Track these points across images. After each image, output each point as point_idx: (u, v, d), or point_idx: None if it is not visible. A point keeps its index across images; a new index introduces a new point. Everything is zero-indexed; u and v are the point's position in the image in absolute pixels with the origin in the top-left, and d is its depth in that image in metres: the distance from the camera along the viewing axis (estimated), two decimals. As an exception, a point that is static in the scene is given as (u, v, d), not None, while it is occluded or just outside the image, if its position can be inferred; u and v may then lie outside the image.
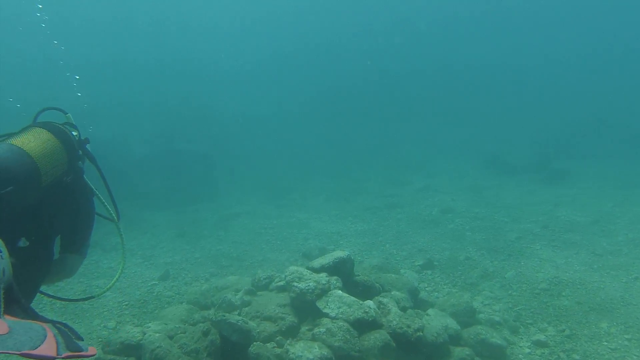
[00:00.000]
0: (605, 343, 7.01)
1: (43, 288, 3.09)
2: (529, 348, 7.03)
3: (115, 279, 3.59)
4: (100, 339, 7.45)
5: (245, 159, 24.93)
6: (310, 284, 6.52)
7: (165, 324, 6.94)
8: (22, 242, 2.81)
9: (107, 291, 3.63)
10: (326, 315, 6.17)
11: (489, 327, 7.15)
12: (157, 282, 10.20)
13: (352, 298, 6.42)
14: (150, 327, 6.72)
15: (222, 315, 6.15)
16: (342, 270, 7.11)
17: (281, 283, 7.21)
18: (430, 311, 7.08)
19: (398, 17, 52.47)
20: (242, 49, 51.56)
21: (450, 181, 20.11)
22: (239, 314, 6.68)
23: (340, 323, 5.95)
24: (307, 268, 7.19)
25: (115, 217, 3.75)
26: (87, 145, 3.55)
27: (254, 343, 5.84)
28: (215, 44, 50.72)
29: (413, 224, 14.02)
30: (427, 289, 9.30)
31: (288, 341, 5.95)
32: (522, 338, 7.29)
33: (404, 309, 6.98)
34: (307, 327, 6.18)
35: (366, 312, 6.13)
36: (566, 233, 12.06)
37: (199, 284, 9.80)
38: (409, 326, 6.09)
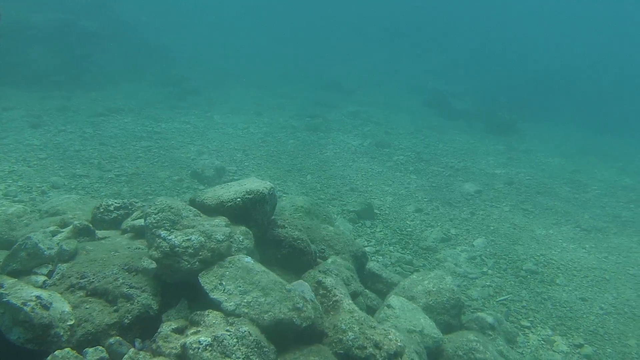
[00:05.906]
0: (647, 377, 4.51)
1: None
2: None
3: None
4: None
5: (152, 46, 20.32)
6: (194, 238, 3.37)
7: None
8: None
9: None
10: (217, 305, 3.10)
11: (480, 333, 4.39)
12: (-39, 187, 6.63)
13: (272, 275, 3.36)
14: None
15: (-1, 283, 2.95)
16: (255, 215, 4.00)
17: (142, 222, 3.95)
18: (393, 300, 4.19)
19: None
20: None
21: (384, 113, 17.10)
22: (46, 277, 3.44)
23: (245, 328, 2.91)
24: (192, 203, 4.00)
25: None
26: None
27: (57, 352, 2.74)
28: None
29: (341, 154, 11.08)
30: (366, 247, 6.46)
31: (131, 352, 2.85)
32: (524, 355, 4.62)
33: (354, 296, 4.05)
34: (175, 325, 3.06)
35: (297, 309, 3.12)
36: (536, 195, 9.66)
37: (21, 201, 6.31)
38: (378, 346, 3.15)
